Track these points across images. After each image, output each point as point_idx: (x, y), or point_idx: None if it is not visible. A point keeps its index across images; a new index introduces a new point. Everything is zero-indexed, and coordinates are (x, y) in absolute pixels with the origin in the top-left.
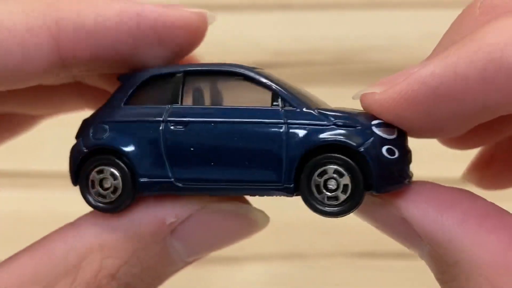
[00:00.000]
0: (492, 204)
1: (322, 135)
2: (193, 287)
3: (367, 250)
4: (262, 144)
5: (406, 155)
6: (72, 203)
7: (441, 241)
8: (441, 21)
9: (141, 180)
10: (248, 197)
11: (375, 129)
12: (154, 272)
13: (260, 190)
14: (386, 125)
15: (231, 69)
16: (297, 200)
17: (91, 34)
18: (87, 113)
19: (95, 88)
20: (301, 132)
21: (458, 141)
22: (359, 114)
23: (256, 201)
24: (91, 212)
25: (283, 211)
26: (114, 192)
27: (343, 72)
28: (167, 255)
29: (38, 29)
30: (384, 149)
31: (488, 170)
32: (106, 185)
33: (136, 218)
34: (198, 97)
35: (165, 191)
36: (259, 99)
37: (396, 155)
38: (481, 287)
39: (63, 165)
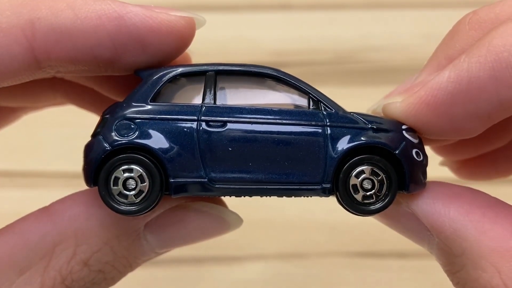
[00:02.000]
0: (493, 197)
1: (362, 138)
2: (194, 287)
3: (367, 250)
4: (303, 145)
5: (426, 158)
6: None
7: (448, 233)
8: (441, 21)
9: (172, 180)
10: (224, 199)
11: (405, 134)
12: (125, 260)
13: (298, 190)
14: (412, 130)
15: (265, 71)
16: (297, 200)
17: (68, 36)
18: (82, 111)
19: (76, 84)
20: (342, 134)
21: (452, 150)
22: (387, 119)
23: (257, 200)
24: (65, 198)
25: (283, 211)
26: (138, 194)
27: (343, 72)
28: (139, 246)
29: (11, 29)
30: (413, 152)
31: (467, 161)
32: (130, 186)
33: (110, 211)
34: (229, 97)
35: (196, 192)
36: (290, 101)
37: (422, 157)
38: (487, 272)
39: (63, 165)
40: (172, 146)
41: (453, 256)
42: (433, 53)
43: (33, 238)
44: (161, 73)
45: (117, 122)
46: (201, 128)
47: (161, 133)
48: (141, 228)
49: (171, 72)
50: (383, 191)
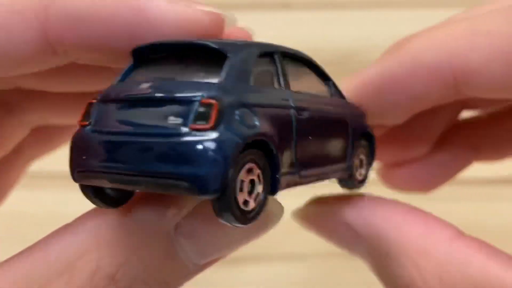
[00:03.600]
0: (412, 205)
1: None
2: None
3: None
4: (341, 133)
5: None
6: (72, 203)
7: (374, 237)
8: (440, 21)
9: (277, 176)
10: None
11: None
12: (159, 275)
13: (335, 172)
14: None
15: (308, 58)
16: (297, 200)
17: (83, 22)
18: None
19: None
20: (356, 120)
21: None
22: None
23: None
24: (89, 211)
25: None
26: (256, 198)
27: (343, 72)
28: (174, 255)
29: (25, 11)
30: None
31: (396, 173)
32: (250, 190)
33: (136, 214)
34: (288, 82)
35: (290, 186)
36: (315, 88)
37: None
38: (408, 268)
39: (62, 165)
40: (278, 137)
41: (380, 258)
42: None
43: (53, 253)
44: (253, 49)
45: (237, 109)
46: (295, 116)
47: (270, 121)
48: (171, 232)
49: (255, 48)
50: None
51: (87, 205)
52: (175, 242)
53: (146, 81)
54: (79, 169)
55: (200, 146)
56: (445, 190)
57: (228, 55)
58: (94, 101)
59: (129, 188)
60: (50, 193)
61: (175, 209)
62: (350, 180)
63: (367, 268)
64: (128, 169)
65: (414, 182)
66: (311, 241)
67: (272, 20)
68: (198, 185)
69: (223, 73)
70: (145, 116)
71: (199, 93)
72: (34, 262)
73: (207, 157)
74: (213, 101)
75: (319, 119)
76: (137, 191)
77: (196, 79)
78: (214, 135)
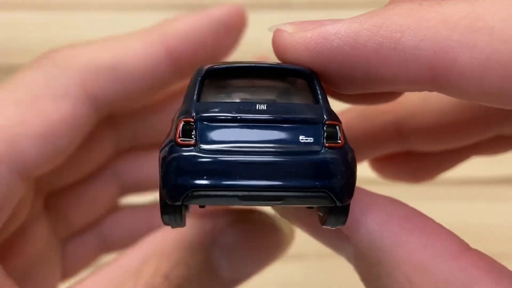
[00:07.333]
0: (413, 208)
1: None
2: None
3: None
4: None
5: None
6: None
7: (365, 242)
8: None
9: None
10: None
11: None
12: (200, 280)
13: None
14: None
15: None
16: None
17: (193, 44)
18: None
19: None
20: None
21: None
22: None
23: None
24: (155, 232)
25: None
26: None
27: None
28: (211, 265)
29: (154, 44)
30: None
31: (389, 162)
32: None
33: (184, 230)
34: None
35: None
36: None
37: None
38: (400, 283)
39: None
40: None
41: (369, 265)
42: None
43: (124, 263)
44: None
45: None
46: None
47: None
48: (210, 245)
49: None
50: None
51: None
52: (213, 255)
53: (249, 102)
54: (193, 190)
55: (339, 162)
56: (445, 190)
57: (314, 80)
58: (191, 120)
59: (261, 204)
60: None
61: (211, 226)
62: None
63: None
64: (270, 186)
65: (407, 172)
66: (311, 241)
67: (272, 20)
68: (339, 195)
69: (319, 96)
70: (272, 136)
71: (320, 115)
72: (112, 274)
73: (344, 171)
74: (336, 123)
75: None
76: (265, 207)
77: (291, 101)
78: (345, 151)
